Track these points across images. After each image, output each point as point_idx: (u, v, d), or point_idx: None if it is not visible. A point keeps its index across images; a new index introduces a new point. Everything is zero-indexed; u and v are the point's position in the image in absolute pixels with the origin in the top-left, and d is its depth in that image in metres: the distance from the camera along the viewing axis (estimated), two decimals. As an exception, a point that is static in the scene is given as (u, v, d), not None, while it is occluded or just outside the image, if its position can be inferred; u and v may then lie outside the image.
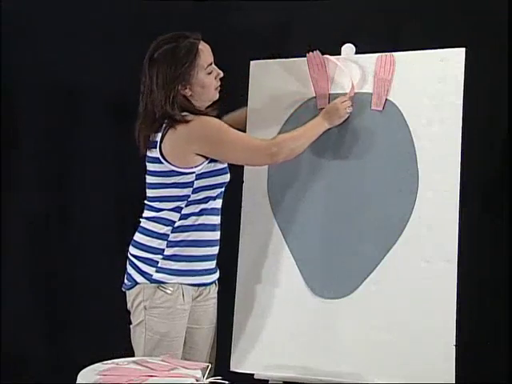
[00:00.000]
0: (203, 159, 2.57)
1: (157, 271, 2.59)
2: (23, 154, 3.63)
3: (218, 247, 2.70)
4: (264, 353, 2.79)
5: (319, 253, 2.76)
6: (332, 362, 2.68)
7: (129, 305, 2.65)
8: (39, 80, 3.56)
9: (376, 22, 3.25)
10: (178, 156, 2.56)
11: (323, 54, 2.78)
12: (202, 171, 2.58)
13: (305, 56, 2.80)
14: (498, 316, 3.16)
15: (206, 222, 2.63)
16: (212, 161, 2.59)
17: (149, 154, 2.61)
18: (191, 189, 2.58)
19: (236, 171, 2.80)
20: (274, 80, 2.87)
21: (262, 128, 2.86)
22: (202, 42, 2.61)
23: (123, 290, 2.67)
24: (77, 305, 3.59)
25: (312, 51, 2.79)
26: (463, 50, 2.62)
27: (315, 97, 2.80)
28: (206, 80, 2.61)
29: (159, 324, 2.58)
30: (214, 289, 2.75)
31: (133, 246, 2.66)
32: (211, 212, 2.64)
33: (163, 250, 2.60)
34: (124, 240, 2.73)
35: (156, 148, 2.58)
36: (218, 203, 2.67)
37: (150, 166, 2.62)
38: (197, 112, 2.59)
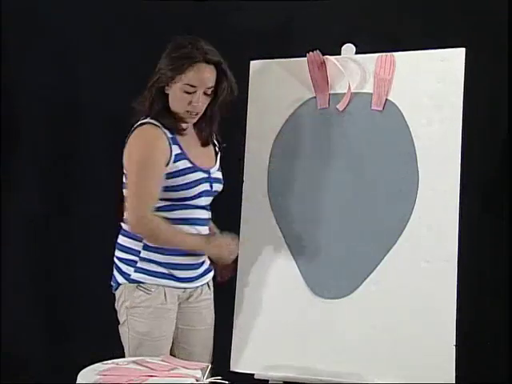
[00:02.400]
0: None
1: (135, 271, 2.61)
2: (23, 155, 3.62)
3: (202, 257, 2.67)
4: (264, 353, 2.79)
5: (319, 253, 2.76)
6: (332, 362, 2.68)
7: (115, 305, 2.67)
8: (39, 80, 3.56)
9: (376, 22, 3.25)
10: None
11: (323, 54, 2.78)
12: (167, 171, 2.56)
13: (305, 56, 2.80)
14: (498, 316, 3.16)
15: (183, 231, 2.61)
16: (175, 161, 2.57)
17: None
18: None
19: (236, 171, 2.80)
20: (274, 80, 2.87)
21: (261, 128, 2.86)
22: (208, 67, 2.56)
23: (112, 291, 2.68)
24: (77, 305, 3.59)
25: (312, 51, 2.79)
26: (463, 50, 2.61)
27: (315, 97, 2.81)
28: (178, 94, 2.57)
29: (140, 323, 2.59)
30: (207, 290, 2.75)
31: (116, 247, 2.69)
32: (192, 222, 2.62)
33: (139, 251, 2.61)
34: (124, 240, 2.73)
35: None
36: (199, 213, 2.64)
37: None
38: (171, 114, 2.59)
